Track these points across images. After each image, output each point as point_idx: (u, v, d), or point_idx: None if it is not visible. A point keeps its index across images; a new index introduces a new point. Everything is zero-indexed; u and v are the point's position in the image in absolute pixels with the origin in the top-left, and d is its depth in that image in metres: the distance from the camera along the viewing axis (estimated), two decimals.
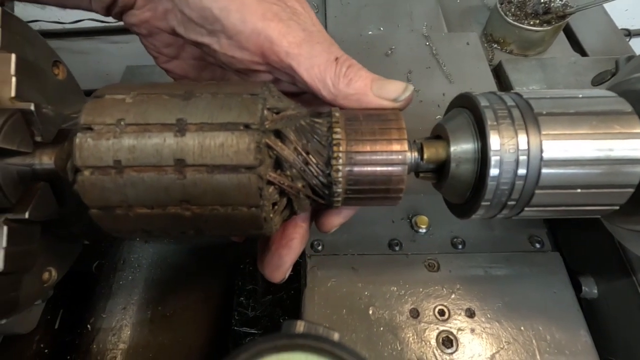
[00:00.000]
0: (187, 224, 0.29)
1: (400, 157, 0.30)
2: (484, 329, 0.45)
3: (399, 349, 0.43)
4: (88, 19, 1.03)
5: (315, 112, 0.32)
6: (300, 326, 0.22)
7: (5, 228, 0.29)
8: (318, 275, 0.48)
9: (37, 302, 0.37)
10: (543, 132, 0.29)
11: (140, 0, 0.36)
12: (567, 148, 0.29)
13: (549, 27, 0.71)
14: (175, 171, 0.27)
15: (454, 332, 0.44)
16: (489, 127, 0.30)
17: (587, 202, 0.31)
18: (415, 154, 0.32)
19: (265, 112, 0.28)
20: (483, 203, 0.31)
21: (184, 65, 0.41)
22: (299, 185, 0.30)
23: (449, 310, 0.46)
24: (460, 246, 0.51)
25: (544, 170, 0.29)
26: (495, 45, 0.77)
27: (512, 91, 0.33)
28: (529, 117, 0.30)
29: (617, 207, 0.32)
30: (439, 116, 0.60)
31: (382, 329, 0.45)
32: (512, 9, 0.74)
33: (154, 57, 0.41)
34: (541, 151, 0.29)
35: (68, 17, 1.05)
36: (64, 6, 0.38)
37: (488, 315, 0.45)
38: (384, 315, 0.45)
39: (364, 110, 0.32)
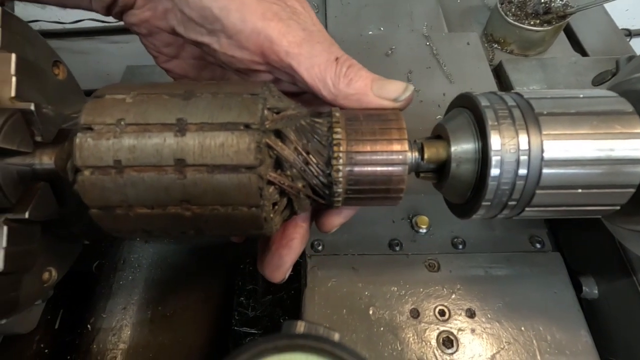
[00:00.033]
0: (187, 224, 0.29)
1: (400, 157, 0.30)
2: (484, 329, 0.45)
3: (399, 349, 0.43)
4: (88, 18, 1.03)
5: (316, 112, 0.32)
6: (300, 326, 0.22)
7: (5, 228, 0.29)
8: (318, 275, 0.48)
9: (37, 302, 0.37)
10: (544, 132, 0.29)
11: (140, 0, 0.36)
12: (568, 148, 0.29)
13: (549, 27, 0.71)
14: (175, 171, 0.27)
15: (455, 332, 0.44)
16: (489, 127, 0.30)
17: (588, 202, 0.31)
18: (416, 154, 0.32)
19: (266, 112, 0.28)
20: (484, 203, 0.31)
21: (184, 65, 0.41)
22: (299, 185, 0.30)
23: (449, 310, 0.46)
24: (460, 246, 0.51)
25: (545, 171, 0.29)
26: (496, 45, 0.77)
27: (512, 91, 0.33)
28: (530, 117, 0.30)
29: (618, 207, 0.32)
30: (439, 116, 0.60)
31: (382, 329, 0.45)
32: (513, 9, 0.74)
33: (154, 56, 0.41)
34: (542, 151, 0.29)
35: (68, 17, 1.05)
36: (64, 6, 0.38)
37: (488, 315, 0.45)
38: (384, 316, 0.45)
39: (364, 110, 0.32)
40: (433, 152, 0.32)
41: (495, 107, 0.31)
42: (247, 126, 0.27)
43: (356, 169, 0.30)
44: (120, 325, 0.50)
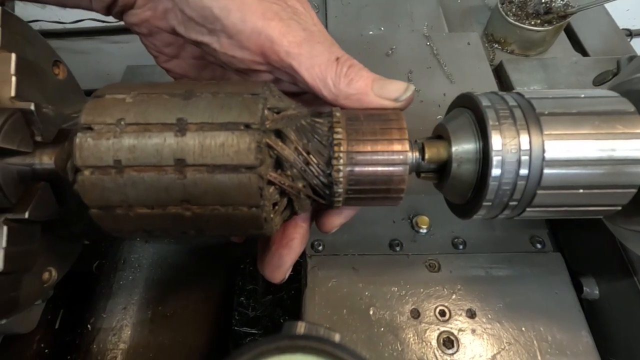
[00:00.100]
0: (187, 224, 0.29)
1: (401, 157, 0.30)
2: (484, 329, 0.44)
3: (400, 349, 0.43)
4: (88, 18, 1.03)
5: (316, 112, 0.32)
6: (301, 327, 0.22)
7: (5, 228, 0.29)
8: (318, 276, 0.48)
9: (37, 302, 0.37)
10: (545, 132, 0.29)
11: (141, 0, 0.36)
12: (570, 148, 0.29)
13: (550, 27, 0.70)
14: (175, 171, 0.26)
15: (455, 332, 0.44)
16: (490, 127, 0.30)
17: (589, 202, 0.31)
18: (417, 154, 0.32)
19: (266, 111, 0.28)
20: (484, 203, 0.31)
21: (184, 65, 0.41)
22: (300, 185, 0.29)
23: (449, 310, 0.46)
24: (461, 246, 0.51)
25: (546, 171, 0.29)
26: (496, 45, 0.77)
27: (513, 91, 0.33)
28: (531, 117, 0.30)
29: (619, 208, 0.32)
30: (440, 116, 0.60)
31: (382, 329, 0.45)
32: (513, 9, 0.74)
33: (154, 56, 0.41)
34: (543, 151, 0.29)
35: (68, 17, 1.05)
36: (64, 5, 0.38)
37: (489, 315, 0.45)
38: (385, 316, 0.45)
39: (365, 110, 0.32)
40: (434, 152, 0.32)
41: (496, 107, 0.31)
42: (247, 126, 0.27)
43: (357, 169, 0.30)
44: (121, 325, 0.50)
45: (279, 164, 0.29)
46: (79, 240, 0.41)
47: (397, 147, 0.30)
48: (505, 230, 0.52)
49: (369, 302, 0.46)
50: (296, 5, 0.33)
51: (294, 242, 0.35)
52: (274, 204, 0.29)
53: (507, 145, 0.29)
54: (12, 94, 0.30)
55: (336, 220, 0.36)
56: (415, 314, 0.46)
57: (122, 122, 0.27)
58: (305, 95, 0.37)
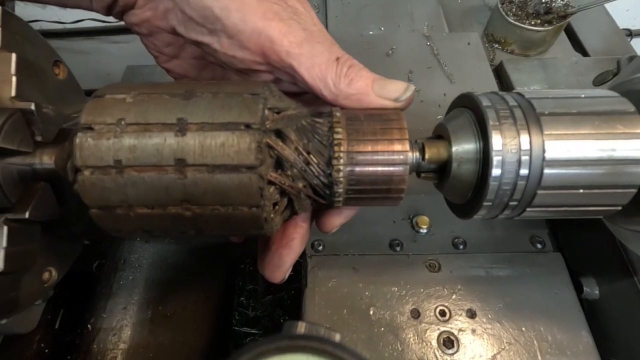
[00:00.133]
0: (187, 224, 0.29)
1: (401, 157, 0.30)
2: (485, 329, 0.44)
3: (400, 349, 0.43)
4: (89, 18, 1.03)
5: (316, 112, 0.32)
6: (301, 327, 0.22)
7: (5, 228, 0.29)
8: (319, 276, 0.48)
9: (37, 302, 0.37)
10: (545, 132, 0.29)
11: (141, 0, 0.36)
12: (570, 148, 0.29)
13: (550, 27, 0.70)
14: (175, 171, 0.26)
15: (455, 332, 0.44)
16: (490, 127, 0.30)
17: (589, 202, 0.31)
18: (417, 154, 0.32)
19: (266, 111, 0.28)
20: (485, 203, 0.31)
21: (185, 65, 0.41)
22: (300, 185, 0.29)
23: (450, 310, 0.46)
24: (461, 246, 0.51)
25: (546, 171, 0.29)
26: (497, 45, 0.77)
27: (513, 91, 0.33)
28: (531, 117, 0.30)
29: (620, 208, 0.32)
30: (440, 116, 0.60)
31: (383, 329, 0.45)
32: (514, 9, 0.74)
33: (154, 56, 0.41)
34: (543, 151, 0.29)
35: (69, 17, 1.05)
36: (64, 6, 0.38)
37: (489, 315, 0.45)
38: (385, 316, 0.45)
39: (365, 110, 0.32)
40: (434, 152, 0.32)
41: (496, 107, 0.31)
42: (247, 126, 0.27)
43: (357, 169, 0.30)
44: (121, 325, 0.50)
45: (279, 164, 0.29)
46: (79, 240, 0.41)
47: (397, 147, 0.30)
48: (505, 230, 0.52)
49: (369, 302, 0.46)
50: (296, 5, 0.33)
51: (294, 242, 0.35)
52: (274, 204, 0.29)
53: (507, 145, 0.29)
54: (13, 94, 0.30)
55: (336, 220, 0.36)
56: (416, 314, 0.46)
57: (123, 122, 0.27)
58: (305, 95, 0.37)
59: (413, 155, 0.32)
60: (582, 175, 0.30)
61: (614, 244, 0.46)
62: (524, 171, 0.29)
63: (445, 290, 0.47)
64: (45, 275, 0.36)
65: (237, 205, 0.28)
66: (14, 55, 0.31)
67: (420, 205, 0.54)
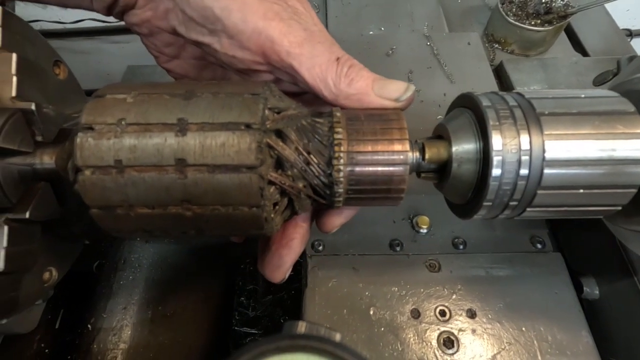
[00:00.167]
0: (188, 223, 0.29)
1: (401, 157, 0.30)
2: (485, 329, 0.44)
3: (400, 349, 0.43)
4: (89, 18, 1.03)
5: (317, 112, 0.32)
6: (301, 327, 0.22)
7: (5, 228, 0.29)
8: (319, 276, 0.48)
9: (37, 302, 0.37)
10: (545, 132, 0.29)
11: (141, 0, 0.36)
12: (570, 148, 0.29)
13: (550, 27, 0.70)
14: (176, 171, 0.26)
15: (455, 332, 0.44)
16: (491, 127, 0.30)
17: (589, 202, 0.31)
18: (417, 154, 0.32)
19: (267, 111, 0.28)
20: (485, 203, 0.31)
21: (185, 65, 0.41)
22: (300, 185, 0.29)
23: (450, 310, 0.46)
24: (461, 246, 0.51)
25: (546, 171, 0.29)
26: (497, 45, 0.77)
27: (513, 91, 0.33)
28: (531, 117, 0.30)
29: (620, 208, 0.32)
30: (440, 116, 0.60)
31: (383, 329, 0.45)
32: (514, 9, 0.74)
33: (155, 56, 0.41)
34: (543, 151, 0.29)
35: (69, 17, 1.05)
36: (65, 6, 0.38)
37: (489, 315, 0.45)
38: (385, 316, 0.45)
39: (365, 110, 0.32)
40: (434, 152, 0.32)
41: (496, 107, 0.31)
42: (248, 126, 0.27)
43: (357, 169, 0.30)
44: (121, 325, 0.50)
45: (280, 164, 0.29)
46: (79, 240, 0.41)
47: (397, 147, 0.30)
48: (505, 230, 0.52)
49: (369, 302, 0.46)
50: (297, 6, 0.33)
51: (294, 242, 0.35)
52: (275, 204, 0.29)
53: (507, 145, 0.29)
54: (13, 94, 0.30)
55: (336, 220, 0.36)
56: (416, 314, 0.46)
57: (123, 122, 0.27)
58: (305, 95, 0.37)
59: (413, 155, 0.32)
60: (582, 175, 0.30)
61: (614, 244, 0.46)
62: (524, 171, 0.29)
63: (445, 290, 0.47)
64: (46, 275, 0.36)
65: (238, 205, 0.28)
66: (14, 55, 0.31)
67: (420, 205, 0.54)
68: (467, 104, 0.33)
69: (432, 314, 0.45)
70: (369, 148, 0.30)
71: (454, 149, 0.32)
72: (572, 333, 0.44)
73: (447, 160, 0.32)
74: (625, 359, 0.44)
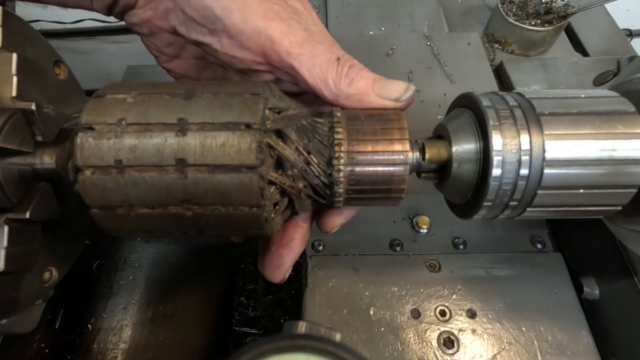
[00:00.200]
0: (188, 223, 0.29)
1: (401, 157, 0.30)
2: (485, 329, 0.44)
3: (400, 349, 0.43)
4: (89, 18, 1.03)
5: (317, 112, 0.32)
6: (301, 327, 0.22)
7: (6, 228, 0.29)
8: (319, 276, 0.48)
9: (37, 301, 0.37)
10: (545, 132, 0.29)
11: (142, 0, 0.36)
12: (570, 148, 0.29)
13: (550, 27, 0.70)
14: (176, 171, 0.26)
15: (455, 332, 0.44)
16: (491, 127, 0.30)
17: (589, 202, 0.31)
18: (417, 154, 0.32)
19: (267, 111, 0.28)
20: (485, 203, 0.31)
21: (185, 65, 0.41)
22: (300, 185, 0.29)
23: (450, 310, 0.46)
24: (461, 246, 0.51)
25: (547, 171, 0.29)
26: (497, 45, 0.77)
27: (514, 91, 0.33)
28: (532, 117, 0.30)
29: (620, 208, 0.32)
30: (440, 116, 0.60)
31: (383, 329, 0.45)
32: (514, 9, 0.74)
33: (155, 56, 0.41)
34: (543, 151, 0.29)
35: (69, 17, 1.05)
36: (65, 6, 0.38)
37: (489, 315, 0.45)
38: (385, 316, 0.45)
39: (365, 110, 0.32)
40: (434, 152, 0.32)
41: (496, 107, 0.31)
42: (248, 126, 0.27)
43: (357, 169, 0.30)
44: (121, 325, 0.50)
45: (280, 164, 0.29)
46: (79, 240, 0.41)
47: (397, 147, 0.30)
48: (505, 230, 0.52)
49: (370, 302, 0.46)
50: (297, 6, 0.33)
51: (294, 242, 0.35)
52: (275, 204, 0.29)
53: (507, 145, 0.29)
54: (13, 94, 0.30)
55: (337, 220, 0.36)
56: (416, 314, 0.46)
57: (123, 122, 0.27)
58: (305, 95, 0.37)
59: (413, 155, 0.32)
60: (582, 175, 0.30)
61: (614, 244, 0.46)
62: (524, 171, 0.29)
63: (445, 290, 0.47)
64: (46, 275, 0.36)
65: (238, 205, 0.28)
66: (14, 55, 0.31)
67: (420, 205, 0.54)
68: (467, 104, 0.33)
69: (432, 314, 0.45)
70: (369, 148, 0.30)
71: (454, 149, 0.32)
72: (572, 333, 0.44)
73: (447, 160, 0.32)
74: (625, 359, 0.44)
